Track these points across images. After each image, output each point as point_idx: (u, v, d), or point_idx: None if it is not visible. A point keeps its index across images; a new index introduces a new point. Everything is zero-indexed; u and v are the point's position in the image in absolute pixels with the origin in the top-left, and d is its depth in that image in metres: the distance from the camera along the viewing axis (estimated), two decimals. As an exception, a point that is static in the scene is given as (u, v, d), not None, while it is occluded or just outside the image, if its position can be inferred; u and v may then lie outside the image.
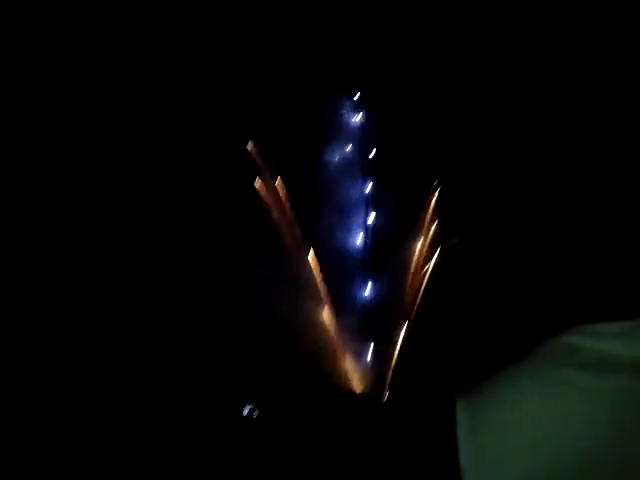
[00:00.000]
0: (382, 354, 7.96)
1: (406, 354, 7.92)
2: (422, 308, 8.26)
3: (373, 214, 9.06)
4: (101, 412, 6.49)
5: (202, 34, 8.26)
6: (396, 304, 8.35)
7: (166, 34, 8.02)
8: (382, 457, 6.32)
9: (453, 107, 8.56)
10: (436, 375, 7.02)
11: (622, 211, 6.59)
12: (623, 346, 0.77)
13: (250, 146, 8.20)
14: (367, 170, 9.33)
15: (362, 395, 7.80)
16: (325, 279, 8.05)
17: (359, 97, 9.77)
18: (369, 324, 8.21)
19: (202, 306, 7.23)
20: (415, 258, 8.65)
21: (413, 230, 8.74)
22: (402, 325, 8.06)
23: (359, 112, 9.73)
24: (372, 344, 8.07)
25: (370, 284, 8.56)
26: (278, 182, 8.24)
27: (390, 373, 7.84)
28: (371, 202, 9.14)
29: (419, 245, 8.68)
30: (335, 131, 9.35)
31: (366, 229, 8.96)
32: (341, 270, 8.56)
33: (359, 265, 8.73)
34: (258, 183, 8.03)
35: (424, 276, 8.48)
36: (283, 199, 8.28)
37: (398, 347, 7.95)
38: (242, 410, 7.21)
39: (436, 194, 8.76)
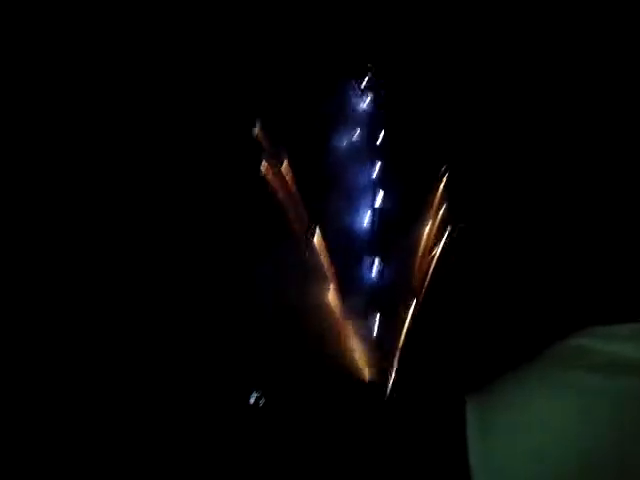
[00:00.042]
0: (389, 336, 7.98)
1: (413, 335, 7.92)
2: (429, 291, 8.25)
3: (380, 197, 9.05)
4: (104, 400, 6.52)
5: (210, 20, 8.29)
6: (403, 287, 8.35)
7: (170, 20, 8.06)
8: (391, 456, 6.32)
9: (462, 92, 8.49)
10: (444, 371, 6.97)
11: (634, 213, 6.48)
12: (634, 348, 0.78)
13: (257, 130, 8.24)
14: (375, 154, 9.31)
15: (370, 385, 7.73)
16: (332, 262, 8.08)
17: (367, 81, 9.73)
18: (376, 306, 8.23)
19: (209, 290, 7.27)
20: (423, 242, 8.63)
21: (421, 214, 8.71)
22: (410, 306, 8.05)
23: (367, 96, 9.69)
24: (378, 325, 8.09)
25: (377, 266, 8.57)
26: (285, 166, 8.26)
27: (397, 353, 7.86)
28: (379, 186, 9.12)
29: (427, 229, 8.65)
30: (343, 115, 9.33)
31: (373, 212, 8.96)
32: (348, 252, 8.58)
33: (366, 247, 8.75)
34: (265, 167, 8.07)
35: (432, 260, 8.46)
36: (290, 182, 8.32)
37: (405, 328, 7.96)
38: (249, 398, 7.25)
39: (444, 179, 8.71)
